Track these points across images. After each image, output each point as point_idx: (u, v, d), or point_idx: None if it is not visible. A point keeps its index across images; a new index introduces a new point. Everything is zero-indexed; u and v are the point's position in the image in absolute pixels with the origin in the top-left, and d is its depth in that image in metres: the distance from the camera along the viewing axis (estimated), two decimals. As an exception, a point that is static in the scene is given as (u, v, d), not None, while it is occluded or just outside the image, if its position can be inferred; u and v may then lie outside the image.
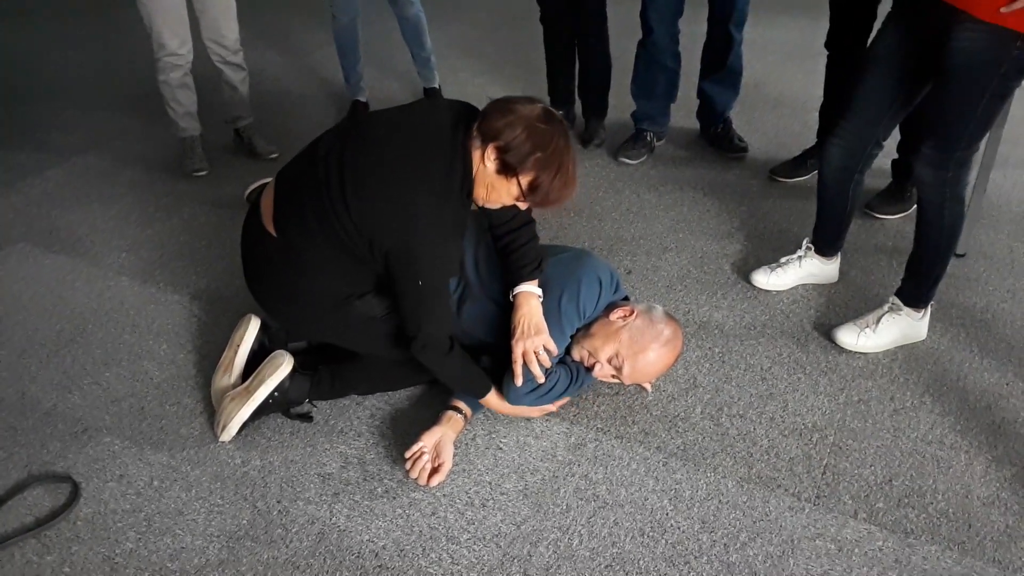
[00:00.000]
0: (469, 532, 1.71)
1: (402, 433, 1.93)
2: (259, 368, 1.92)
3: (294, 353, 1.97)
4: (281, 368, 1.89)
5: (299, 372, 1.94)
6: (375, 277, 1.85)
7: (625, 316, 1.95)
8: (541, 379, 1.87)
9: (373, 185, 1.69)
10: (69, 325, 2.31)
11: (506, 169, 1.67)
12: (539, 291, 1.93)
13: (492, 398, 1.92)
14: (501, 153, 1.65)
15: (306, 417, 1.96)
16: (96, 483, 1.81)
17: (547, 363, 1.88)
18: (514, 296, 1.92)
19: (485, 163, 1.68)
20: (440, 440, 1.83)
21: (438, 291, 1.78)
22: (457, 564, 1.64)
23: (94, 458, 1.88)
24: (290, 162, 1.88)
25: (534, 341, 1.87)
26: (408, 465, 1.80)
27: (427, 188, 1.67)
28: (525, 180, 1.67)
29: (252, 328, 2.03)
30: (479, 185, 1.72)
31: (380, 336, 1.90)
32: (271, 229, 1.84)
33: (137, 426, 1.96)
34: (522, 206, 1.76)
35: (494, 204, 1.77)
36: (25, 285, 2.49)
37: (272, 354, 1.93)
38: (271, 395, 1.89)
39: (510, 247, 1.95)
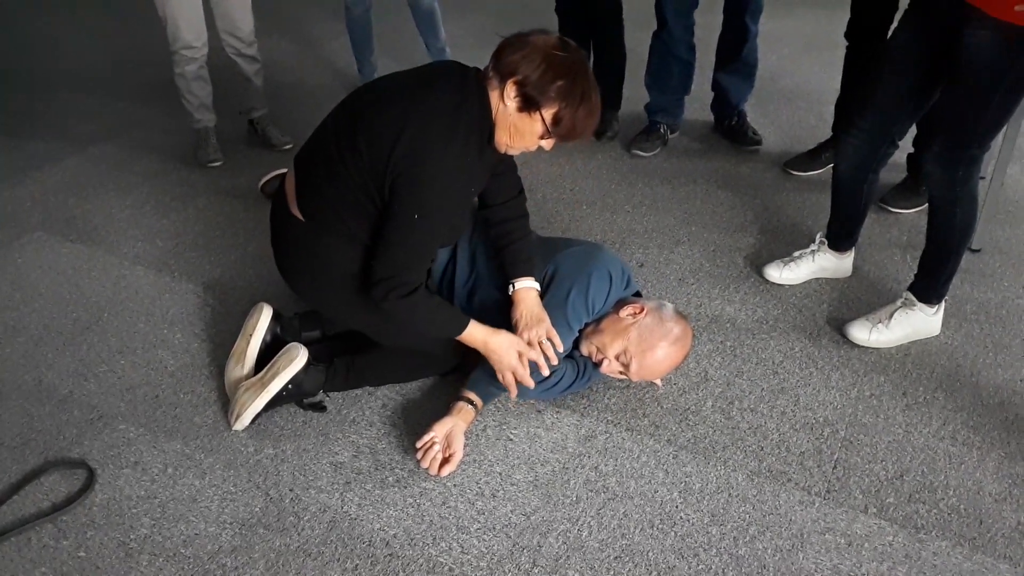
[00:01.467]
0: (479, 522, 1.72)
1: (413, 423, 1.94)
2: (273, 360, 1.93)
3: (307, 343, 1.99)
4: (296, 361, 1.90)
5: (313, 364, 1.95)
6: None
7: (635, 313, 1.95)
8: (546, 371, 1.87)
9: (384, 121, 1.68)
10: (85, 313, 2.34)
11: (528, 104, 1.65)
12: (537, 285, 1.94)
13: (473, 331, 1.84)
14: (521, 87, 1.63)
15: (319, 407, 1.97)
16: (111, 469, 1.83)
17: (552, 355, 1.87)
18: (513, 291, 1.93)
19: (505, 102, 1.66)
20: (451, 430, 1.83)
21: (429, 235, 1.74)
22: (467, 554, 1.65)
23: (109, 445, 1.90)
24: (304, 144, 1.90)
25: (537, 331, 1.88)
26: (419, 455, 1.81)
27: (440, 120, 1.65)
28: (549, 113, 1.65)
29: (264, 317, 2.05)
30: (501, 130, 1.71)
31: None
32: (297, 213, 1.86)
33: (152, 414, 1.99)
34: (547, 146, 1.73)
35: (518, 149, 1.75)
36: (42, 273, 2.51)
37: (287, 347, 1.94)
38: (285, 387, 1.90)
39: (505, 240, 1.96)
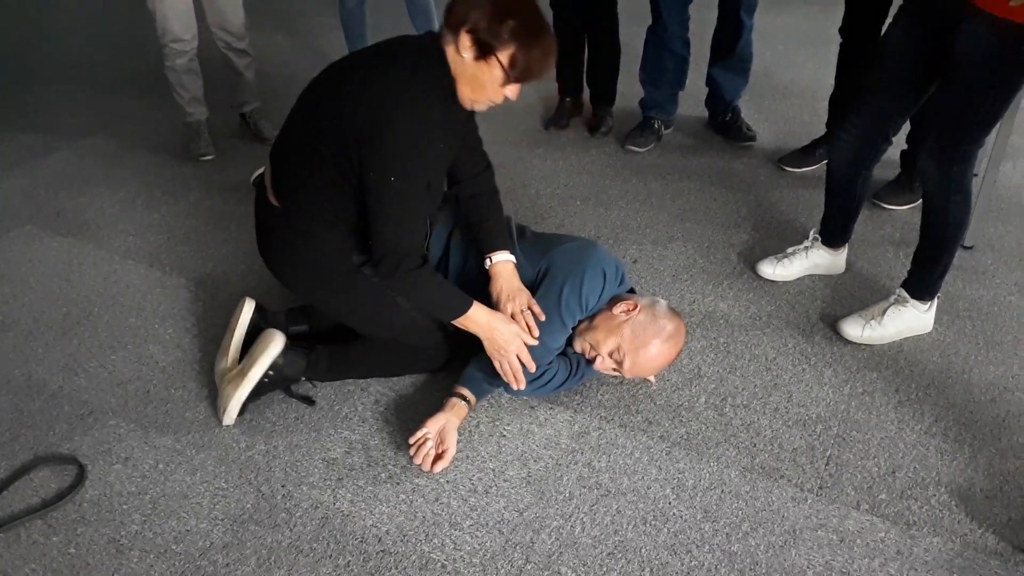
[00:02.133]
0: (472, 518, 1.72)
1: (406, 419, 1.93)
2: (251, 349, 1.93)
3: (294, 337, 1.98)
4: (272, 346, 1.89)
5: (293, 349, 1.93)
6: None
7: (628, 310, 1.94)
8: (536, 332, 1.87)
9: (344, 92, 1.69)
10: (75, 308, 2.32)
11: (483, 51, 1.64)
12: (513, 258, 1.95)
13: (477, 313, 1.84)
14: (474, 34, 1.63)
15: (307, 400, 1.96)
16: (102, 465, 1.82)
17: (534, 327, 1.87)
18: (490, 265, 1.93)
19: (462, 54, 1.66)
20: (444, 426, 1.83)
21: (412, 196, 1.72)
22: (460, 550, 1.65)
23: (100, 440, 1.89)
24: (277, 136, 1.92)
25: (519, 302, 1.89)
26: (412, 451, 1.80)
27: (397, 81, 1.66)
28: (505, 56, 1.65)
29: (247, 310, 2.03)
30: (463, 84, 1.71)
31: (386, 311, 1.89)
32: (274, 202, 1.87)
33: (143, 409, 1.97)
34: (512, 94, 1.72)
35: (483, 102, 1.75)
36: (32, 267, 2.49)
37: (263, 332, 1.94)
38: (266, 374, 1.89)
39: (477, 215, 1.98)
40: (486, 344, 1.87)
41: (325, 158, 1.73)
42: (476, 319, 1.84)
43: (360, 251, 1.86)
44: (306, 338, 2.08)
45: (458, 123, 1.83)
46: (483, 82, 1.69)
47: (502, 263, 1.94)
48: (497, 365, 1.88)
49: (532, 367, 1.87)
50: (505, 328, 1.85)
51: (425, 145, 1.71)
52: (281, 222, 1.88)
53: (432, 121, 1.70)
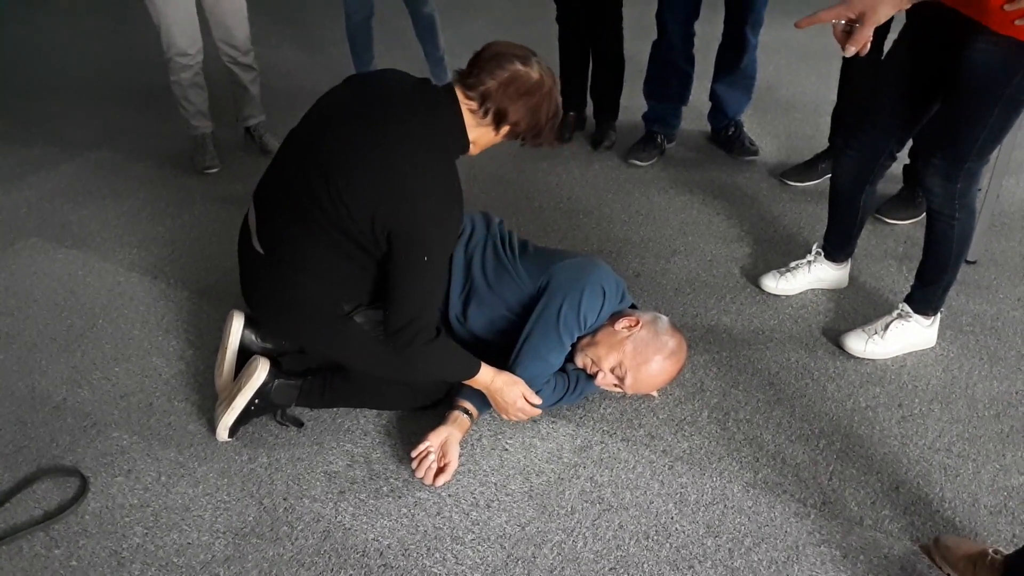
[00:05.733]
0: (474, 533, 1.71)
1: (408, 432, 1.93)
2: (239, 375, 1.91)
3: (284, 352, 1.98)
4: (256, 375, 1.86)
5: (283, 379, 1.89)
6: (371, 282, 1.80)
7: (630, 326, 1.94)
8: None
9: (364, 162, 1.64)
10: (79, 320, 2.33)
11: (517, 136, 1.79)
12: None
13: (483, 375, 1.84)
14: (515, 128, 1.75)
15: (297, 422, 1.95)
16: (104, 478, 1.82)
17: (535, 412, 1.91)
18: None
19: (498, 135, 1.77)
20: (446, 440, 1.82)
21: (440, 271, 1.77)
22: (461, 564, 1.65)
23: (102, 453, 1.89)
24: (263, 176, 1.85)
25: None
26: (414, 464, 1.80)
27: (424, 158, 1.66)
28: (532, 137, 1.80)
29: (236, 325, 1.99)
30: (478, 146, 1.80)
31: (379, 357, 1.85)
32: (258, 247, 1.82)
33: (145, 422, 1.98)
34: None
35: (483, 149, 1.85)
36: (37, 280, 2.50)
37: (249, 360, 1.91)
38: (251, 402, 1.86)
39: None
40: (491, 401, 1.89)
41: (331, 217, 1.67)
42: (481, 380, 1.85)
43: (349, 300, 1.83)
44: (301, 352, 2.05)
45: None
46: (496, 143, 1.81)
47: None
48: (506, 417, 1.92)
49: (537, 411, 1.91)
50: (508, 390, 1.86)
51: (453, 221, 1.75)
52: (266, 271, 1.82)
53: (457, 193, 1.74)
